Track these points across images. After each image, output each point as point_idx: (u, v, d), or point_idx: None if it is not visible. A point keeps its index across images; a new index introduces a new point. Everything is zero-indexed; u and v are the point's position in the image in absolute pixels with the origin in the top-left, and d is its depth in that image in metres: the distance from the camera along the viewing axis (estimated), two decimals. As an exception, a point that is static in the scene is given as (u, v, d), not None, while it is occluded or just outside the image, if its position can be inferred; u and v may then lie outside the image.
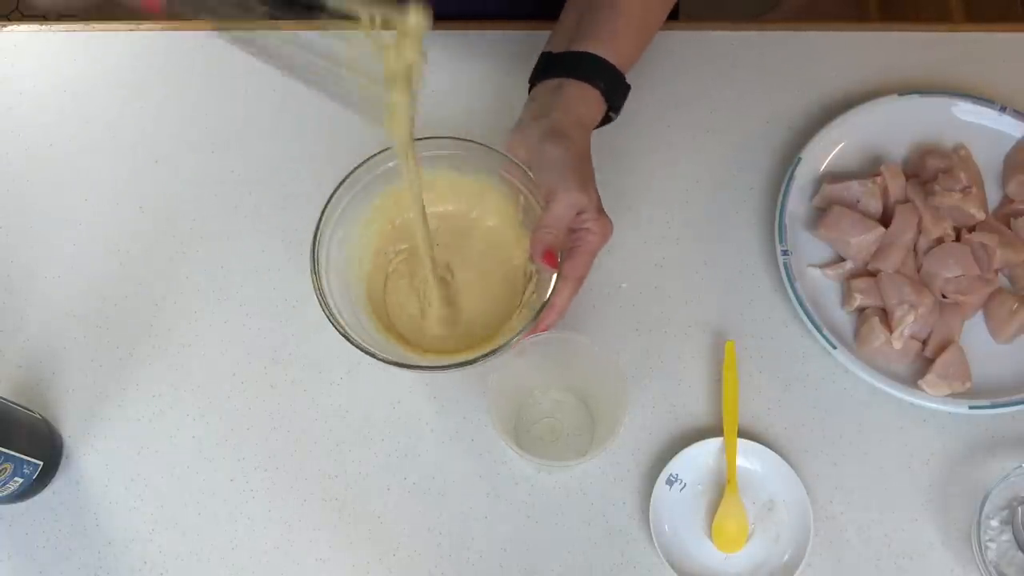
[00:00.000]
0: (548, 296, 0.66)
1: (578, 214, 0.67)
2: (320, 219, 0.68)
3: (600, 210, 0.68)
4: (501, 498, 0.73)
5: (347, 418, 0.76)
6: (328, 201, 0.69)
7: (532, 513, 0.73)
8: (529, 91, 0.74)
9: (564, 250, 0.67)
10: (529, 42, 0.80)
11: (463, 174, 0.73)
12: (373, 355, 0.65)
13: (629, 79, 0.74)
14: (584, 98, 0.70)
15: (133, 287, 0.80)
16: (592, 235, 0.67)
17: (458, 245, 0.75)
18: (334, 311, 0.67)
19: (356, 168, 0.69)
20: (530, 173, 0.68)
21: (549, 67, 0.72)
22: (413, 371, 0.68)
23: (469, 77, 0.87)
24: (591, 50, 0.71)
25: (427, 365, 0.68)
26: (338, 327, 0.66)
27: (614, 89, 0.72)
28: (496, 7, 0.89)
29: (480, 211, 0.75)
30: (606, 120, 0.74)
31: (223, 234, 0.82)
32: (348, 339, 0.66)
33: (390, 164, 0.71)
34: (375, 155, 0.70)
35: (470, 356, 0.65)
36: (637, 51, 0.76)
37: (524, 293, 0.73)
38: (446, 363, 0.66)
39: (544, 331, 0.67)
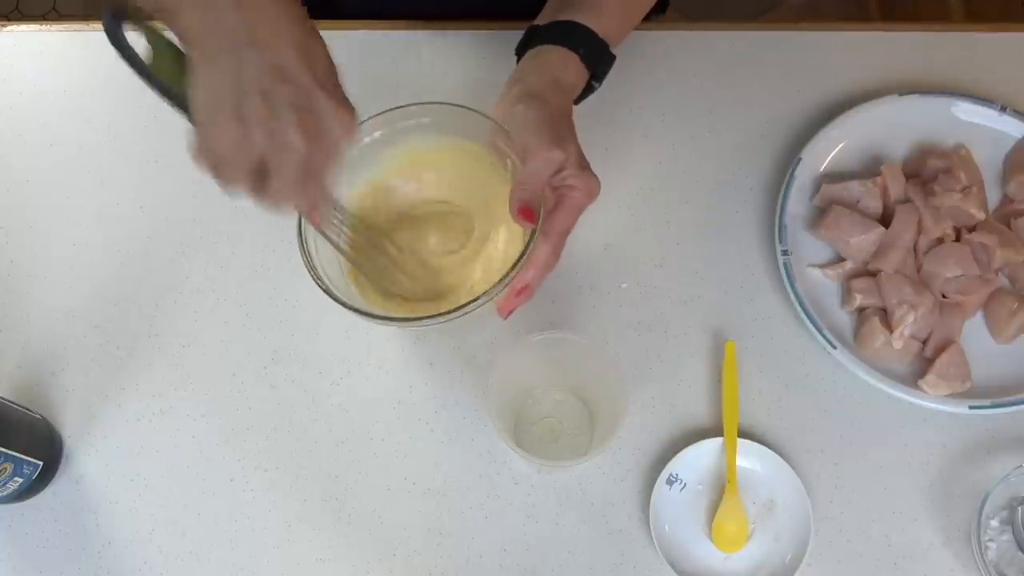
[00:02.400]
0: (527, 250, 0.64)
1: (558, 172, 0.65)
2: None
3: (583, 167, 0.66)
4: (501, 498, 0.73)
5: (347, 418, 0.76)
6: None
7: (532, 513, 0.73)
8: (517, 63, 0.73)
9: (546, 208, 0.66)
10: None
11: (450, 139, 0.72)
12: (342, 302, 0.65)
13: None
14: (561, 61, 0.70)
15: (133, 287, 0.80)
16: (576, 191, 0.66)
17: (450, 214, 0.74)
18: (316, 266, 0.67)
19: None
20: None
21: (532, 37, 0.72)
22: (391, 324, 0.66)
23: (471, 76, 0.87)
24: (573, 19, 0.71)
25: (403, 317, 0.67)
26: (314, 275, 0.66)
27: (596, 57, 0.71)
28: (491, 5, 0.89)
29: (470, 178, 0.74)
30: (589, 89, 0.73)
31: (223, 234, 0.82)
32: (321, 285, 0.65)
33: (376, 134, 0.71)
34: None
35: (450, 307, 0.64)
36: (624, 24, 0.75)
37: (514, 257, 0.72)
38: (423, 315, 0.65)
39: (527, 291, 0.65)
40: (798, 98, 0.86)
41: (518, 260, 0.64)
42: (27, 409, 0.72)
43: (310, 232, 0.67)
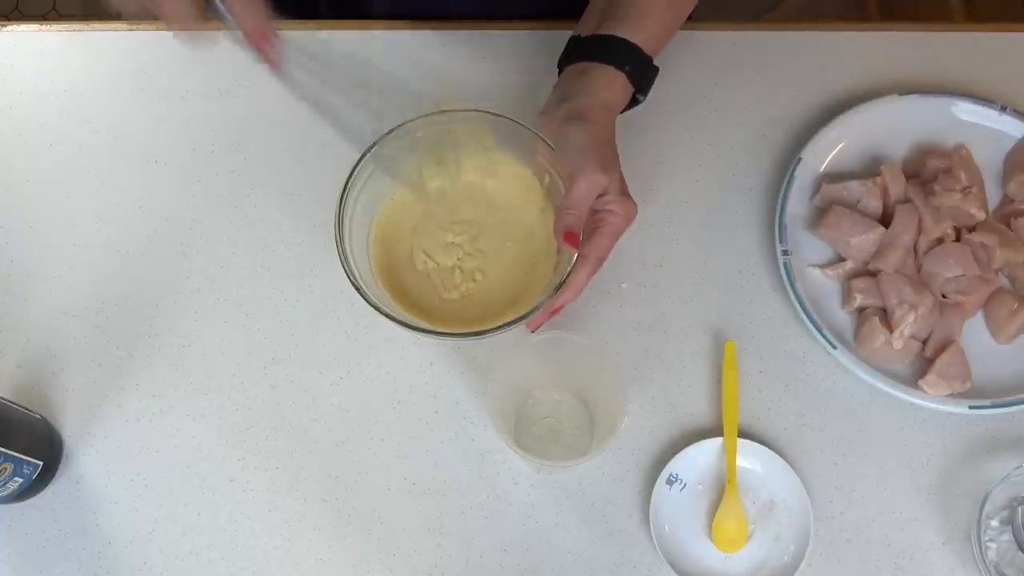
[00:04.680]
0: (567, 275, 0.66)
1: (600, 196, 0.67)
2: (347, 183, 0.69)
3: (624, 192, 0.69)
4: (501, 498, 0.73)
5: (347, 418, 0.76)
6: (355, 166, 0.70)
7: (532, 513, 0.73)
8: (559, 75, 0.74)
9: (586, 231, 0.67)
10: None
11: (488, 148, 0.73)
12: (391, 317, 0.66)
13: None
14: (609, 82, 0.71)
15: (133, 287, 0.80)
16: (615, 217, 0.68)
17: (481, 222, 0.75)
18: (354, 272, 0.68)
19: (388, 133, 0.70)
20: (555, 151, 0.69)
21: (576, 51, 0.73)
22: (428, 336, 0.68)
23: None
24: (618, 33, 0.71)
25: (442, 332, 0.67)
26: (355, 284, 0.67)
27: (640, 72, 0.72)
28: (520, 7, 0.90)
29: (505, 188, 0.75)
30: (633, 102, 0.74)
31: (223, 234, 0.82)
32: (366, 298, 0.66)
33: (418, 135, 0.71)
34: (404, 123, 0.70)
35: (485, 327, 0.66)
36: (665, 34, 0.76)
37: (543, 272, 0.73)
38: (461, 331, 0.67)
39: (559, 311, 0.67)
40: (798, 98, 0.86)
41: (560, 284, 0.66)
42: (27, 409, 0.72)
43: (345, 241, 0.68)
